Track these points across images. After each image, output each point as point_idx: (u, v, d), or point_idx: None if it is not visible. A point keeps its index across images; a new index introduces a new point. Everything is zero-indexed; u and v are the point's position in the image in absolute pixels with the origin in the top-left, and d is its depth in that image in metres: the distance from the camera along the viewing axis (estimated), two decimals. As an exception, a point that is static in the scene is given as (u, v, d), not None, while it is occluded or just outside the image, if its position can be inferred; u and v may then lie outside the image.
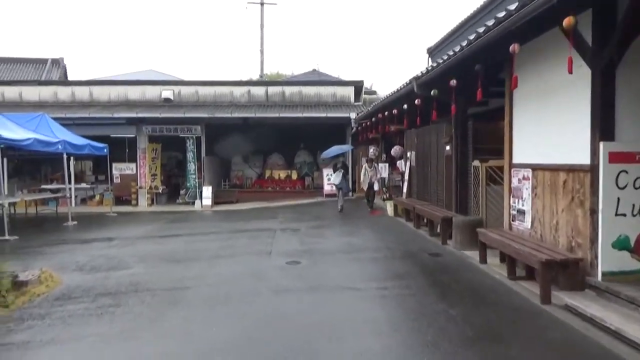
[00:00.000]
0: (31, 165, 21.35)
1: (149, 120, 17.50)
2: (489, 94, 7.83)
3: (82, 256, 8.36)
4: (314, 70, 27.71)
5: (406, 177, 11.60)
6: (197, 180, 17.88)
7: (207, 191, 17.55)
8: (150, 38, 68.28)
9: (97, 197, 18.62)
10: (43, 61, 26.34)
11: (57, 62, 26.50)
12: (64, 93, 18.45)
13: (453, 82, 7.54)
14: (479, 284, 5.94)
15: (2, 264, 6.23)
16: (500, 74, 7.64)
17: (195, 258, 7.93)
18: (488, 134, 8.78)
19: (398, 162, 13.44)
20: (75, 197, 19.06)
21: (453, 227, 8.11)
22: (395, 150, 12.60)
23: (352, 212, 13.62)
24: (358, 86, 19.17)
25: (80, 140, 14.26)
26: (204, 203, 17.35)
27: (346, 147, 16.86)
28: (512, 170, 6.94)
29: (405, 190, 11.61)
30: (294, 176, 20.79)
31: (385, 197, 12.80)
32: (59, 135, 13.48)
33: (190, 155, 17.81)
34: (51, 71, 25.58)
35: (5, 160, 19.03)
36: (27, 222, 14.45)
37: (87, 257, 8.30)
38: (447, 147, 9.33)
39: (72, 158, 18.54)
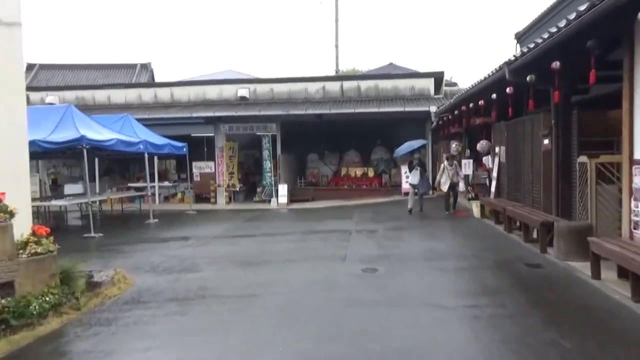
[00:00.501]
0: (121, 164, 22.56)
1: (226, 118, 17.66)
2: (596, 79, 6.68)
3: (157, 256, 8.32)
4: (391, 64, 26.77)
5: (494, 174, 10.49)
6: (273, 178, 17.79)
7: (283, 189, 17.39)
8: (229, 39, 70.57)
9: (179, 195, 19.18)
10: (133, 66, 27.91)
11: (145, 67, 27.97)
12: (147, 95, 19.19)
13: (556, 65, 6.47)
14: (596, 307, 4.92)
15: (78, 263, 6.20)
16: (611, 54, 6.46)
17: (267, 261, 7.56)
18: (596, 125, 7.56)
19: (484, 158, 12.28)
20: (159, 194, 19.88)
21: (555, 234, 7.02)
22: (481, 145, 11.48)
23: (433, 212, 12.68)
24: (438, 77, 18.03)
25: (160, 140, 14.61)
26: (279, 201, 17.21)
27: (416, 143, 15.30)
28: (633, 167, 5.78)
29: (493, 189, 10.51)
30: (371, 174, 20.09)
31: (470, 196, 11.73)
32: (141, 135, 13.87)
33: (266, 153, 17.75)
34: (140, 75, 26.99)
35: (96, 160, 20.47)
36: (113, 219, 15.11)
37: (162, 257, 8.24)
38: (546, 141, 8.18)
39: (155, 157, 19.44)
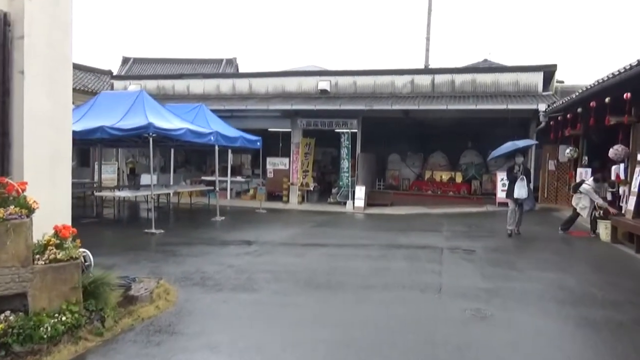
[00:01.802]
0: (198, 156, 22.25)
1: (304, 112, 16.46)
2: None
3: (212, 264, 7.13)
4: (485, 61, 24.23)
5: (635, 188, 8.17)
6: (350, 179, 16.32)
7: (360, 191, 15.86)
8: (313, 34, 70.19)
9: (251, 192, 18.27)
10: (219, 61, 27.90)
11: (231, 62, 27.84)
12: (225, 86, 18.50)
13: None
14: None
15: (110, 274, 5.06)
16: None
17: (338, 285, 6.04)
18: None
19: (614, 167, 9.87)
20: (231, 190, 19.15)
21: None
22: (615, 151, 9.10)
23: (539, 230, 10.50)
24: (548, 71, 15.49)
25: (233, 132, 13.67)
26: (356, 204, 15.70)
27: (522, 143, 11.42)
28: None
29: (632, 207, 8.19)
30: (458, 179, 17.97)
31: (597, 214, 9.40)
32: (213, 126, 12.99)
33: (344, 152, 16.30)
34: (225, 69, 26.81)
35: (172, 150, 20.21)
36: (180, 214, 14.42)
37: (217, 266, 7.03)
38: None
39: (229, 150, 18.73)
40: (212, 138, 12.21)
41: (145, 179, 18.60)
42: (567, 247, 8.86)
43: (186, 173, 21.59)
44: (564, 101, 12.48)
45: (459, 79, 16.29)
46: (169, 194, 15.14)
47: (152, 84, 19.39)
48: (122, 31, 67.81)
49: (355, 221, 13.45)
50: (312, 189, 17.47)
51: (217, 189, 13.16)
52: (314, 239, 9.55)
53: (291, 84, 17.78)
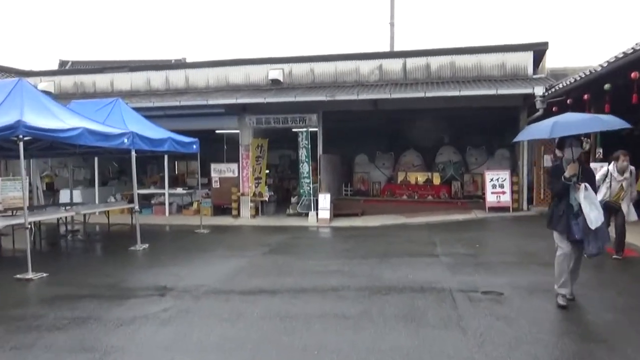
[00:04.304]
0: (137, 165, 18.90)
1: (253, 108, 13.56)
2: None
3: (79, 351, 4.15)
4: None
5: None
6: (311, 186, 13.54)
7: (324, 200, 13.11)
8: (263, 24, 67.11)
9: (195, 205, 15.19)
10: (167, 62, 24.36)
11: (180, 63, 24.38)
12: (157, 80, 15.32)
13: None
14: None
15: None
16: None
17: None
18: None
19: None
20: (171, 204, 16.03)
21: None
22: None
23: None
24: (539, 51, 13.18)
25: (158, 134, 10.61)
26: (320, 216, 12.94)
27: (609, 121, 5.00)
28: None
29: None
30: (436, 180, 15.50)
31: None
32: (131, 126, 9.93)
33: (303, 153, 13.50)
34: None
35: (96, 160, 16.84)
36: (90, 243, 11.23)
37: (83, 355, 4.06)
38: None
39: (165, 157, 15.57)
40: (125, 141, 9.17)
41: (65, 195, 15.22)
42: (634, 276, 6.31)
43: (119, 186, 18.27)
44: (568, 82, 10.15)
45: (435, 62, 13.78)
46: (84, 215, 11.95)
47: (68, 81, 15.99)
48: (62, 34, 62.64)
49: (320, 242, 10.65)
50: (266, 199, 14.57)
51: (136, 206, 10.01)
52: (261, 280, 6.64)
53: (237, 75, 14.82)
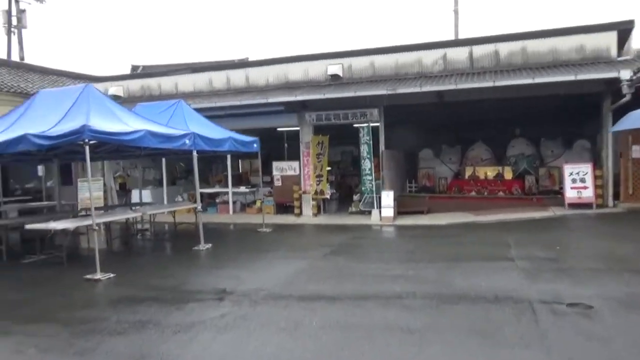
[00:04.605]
0: (203, 165, 19.37)
1: (312, 104, 13.34)
2: None
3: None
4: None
5: None
6: (374, 182, 13.11)
7: (388, 197, 12.63)
8: (324, 25, 66.98)
9: (257, 204, 15.26)
10: (230, 63, 24.96)
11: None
12: (218, 80, 15.51)
13: None
14: None
15: None
16: None
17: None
18: None
19: None
20: (234, 202, 16.22)
21: None
22: None
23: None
24: (624, 30, 11.87)
25: (219, 134, 10.65)
26: (383, 214, 12.49)
27: None
28: None
29: None
30: (508, 175, 14.50)
31: None
32: (192, 127, 10.02)
33: (364, 149, 13.10)
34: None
35: (164, 160, 17.37)
36: (157, 242, 11.50)
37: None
38: None
39: (228, 156, 15.76)
40: (187, 142, 9.23)
41: (137, 195, 15.82)
42: None
43: (187, 185, 18.80)
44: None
45: (505, 48, 12.84)
46: (151, 215, 12.31)
47: (135, 84, 16.61)
48: (132, 40, 66.10)
49: (383, 242, 10.24)
50: (328, 197, 14.32)
51: (199, 206, 10.08)
52: (321, 284, 6.37)
53: (296, 72, 14.66)
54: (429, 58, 13.47)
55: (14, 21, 21.87)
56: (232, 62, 16.05)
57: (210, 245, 9.52)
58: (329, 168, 14.90)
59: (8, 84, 16.06)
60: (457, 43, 14.06)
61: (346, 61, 14.12)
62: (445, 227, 11.11)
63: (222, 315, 5.15)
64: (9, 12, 21.63)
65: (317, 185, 14.01)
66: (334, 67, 14.01)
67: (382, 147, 13.36)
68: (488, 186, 14.30)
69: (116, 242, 11.25)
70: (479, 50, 13.09)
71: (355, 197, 14.35)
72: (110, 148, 10.17)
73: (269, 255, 8.69)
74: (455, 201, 13.84)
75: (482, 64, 13.03)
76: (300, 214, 14.11)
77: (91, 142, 7.41)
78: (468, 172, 14.99)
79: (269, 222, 12.33)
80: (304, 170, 14.33)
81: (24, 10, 22.13)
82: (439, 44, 13.63)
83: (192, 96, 15.13)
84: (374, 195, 13.00)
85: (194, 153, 9.63)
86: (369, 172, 13.08)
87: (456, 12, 19.04)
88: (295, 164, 14.57)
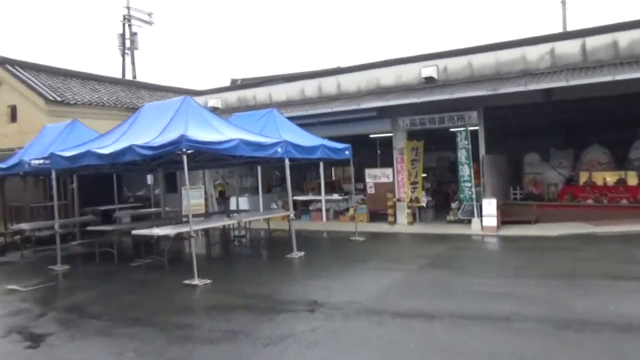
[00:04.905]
0: (297, 172, 19.69)
1: (406, 109, 12.86)
2: None
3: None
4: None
5: None
6: (473, 190, 12.27)
7: (490, 205, 11.72)
8: (418, 26, 65.42)
9: (350, 211, 15.06)
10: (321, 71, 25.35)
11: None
12: (310, 88, 15.61)
13: None
14: None
15: None
16: None
17: None
18: None
19: None
20: (328, 210, 16.18)
21: None
22: None
23: None
24: None
25: (311, 141, 10.61)
26: (484, 223, 11.60)
27: None
28: None
29: None
30: (632, 180, 12.80)
31: None
32: (285, 135, 10.08)
33: (462, 155, 12.32)
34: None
35: (259, 168, 17.84)
36: (252, 248, 11.69)
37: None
38: None
39: (321, 163, 15.75)
40: (279, 150, 9.27)
41: (235, 202, 16.41)
42: None
43: (282, 192, 19.17)
44: None
45: (625, 38, 11.37)
46: (245, 222, 12.63)
47: (232, 96, 17.30)
48: (232, 55, 69.88)
49: (486, 254, 9.46)
50: (424, 204, 13.68)
51: (292, 214, 10.06)
52: (418, 300, 5.91)
53: (387, 77, 14.27)
54: (534, 54, 12.35)
55: (127, 43, 24.04)
56: (324, 70, 16.06)
57: (302, 253, 9.44)
58: (424, 175, 14.30)
59: (122, 100, 17.58)
60: (566, 35, 12.74)
61: (441, 62, 13.45)
62: (557, 238, 10.01)
63: (313, 330, 4.93)
64: (122, 36, 23.82)
65: (412, 192, 13.45)
66: (428, 70, 13.40)
67: (482, 151, 12.48)
68: (608, 193, 12.74)
69: (215, 247, 11.63)
70: (593, 42, 11.73)
71: (454, 205, 13.57)
72: (209, 157, 10.54)
73: (362, 265, 8.37)
74: (568, 210, 12.49)
75: (598, 56, 11.66)
76: (395, 222, 13.64)
77: (188, 151, 7.66)
78: (583, 177, 13.50)
79: (362, 231, 12.03)
80: (398, 177, 13.87)
81: (135, 33, 24.27)
82: (545, 37, 12.46)
83: (285, 105, 15.37)
84: (474, 203, 12.15)
85: (286, 161, 9.64)
86: (468, 178, 12.27)
87: (564, 2, 17.41)
88: (388, 170, 14.17)
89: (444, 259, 8.51)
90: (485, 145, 12.52)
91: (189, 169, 8.30)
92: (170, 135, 7.86)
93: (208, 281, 7.45)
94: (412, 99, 12.27)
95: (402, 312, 5.37)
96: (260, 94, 16.67)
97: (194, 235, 7.77)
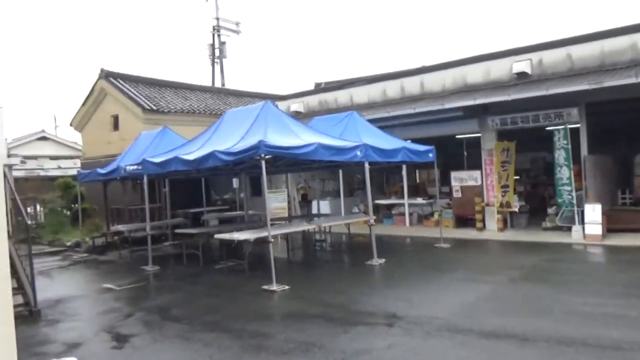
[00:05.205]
0: (379, 175, 19.37)
1: (495, 108, 12.01)
2: None
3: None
4: None
5: None
6: (573, 194, 11.13)
7: (593, 211, 10.55)
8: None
9: (435, 216, 14.41)
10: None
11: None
12: (392, 89, 15.15)
13: None
14: None
15: None
16: None
17: None
18: None
19: None
20: (411, 214, 15.63)
21: None
22: None
23: None
24: None
25: (392, 144, 10.23)
26: (587, 231, 10.47)
27: None
28: None
29: None
30: None
31: None
32: (365, 138, 9.80)
33: (560, 155, 11.22)
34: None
35: (340, 172, 17.69)
36: (334, 253, 11.52)
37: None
38: None
39: (404, 166, 15.26)
40: (358, 153, 9.03)
41: (317, 206, 16.44)
42: None
43: (364, 196, 18.90)
44: None
45: None
46: (324, 227, 12.50)
47: (313, 100, 17.34)
48: (317, 59, 70.89)
49: (590, 267, 8.47)
50: (516, 209, 12.69)
51: (371, 219, 9.74)
52: (508, 318, 5.34)
53: (475, 73, 13.43)
54: (647, 40, 10.93)
55: (217, 53, 25.17)
56: (407, 70, 15.52)
57: (383, 260, 9.10)
58: (516, 177, 13.28)
59: (211, 107, 18.38)
60: (688, 18, 11.12)
61: (535, 56, 12.38)
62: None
63: (390, 346, 4.61)
64: (212, 45, 24.99)
65: (503, 196, 12.52)
66: (521, 64, 12.40)
67: (584, 152, 11.29)
68: None
69: (295, 252, 11.64)
70: None
71: (550, 211, 12.43)
72: (289, 161, 10.57)
73: (446, 275, 7.85)
74: (691, 217, 10.90)
75: None
76: (483, 228, 12.79)
77: (267, 156, 7.67)
78: None
79: (448, 237, 11.40)
80: (487, 180, 13.00)
81: (224, 43, 25.35)
82: (660, 22, 10.97)
83: (366, 107, 15.08)
84: (575, 208, 11.00)
85: (366, 165, 9.37)
86: (567, 181, 11.14)
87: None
88: (476, 173, 13.33)
89: (539, 271, 7.73)
90: (588, 145, 11.31)
91: (270, 173, 8.36)
92: (250, 141, 7.94)
93: (286, 287, 7.39)
94: (502, 97, 11.38)
95: (490, 332, 4.86)
96: (342, 96, 16.53)
97: (272, 240, 7.74)
